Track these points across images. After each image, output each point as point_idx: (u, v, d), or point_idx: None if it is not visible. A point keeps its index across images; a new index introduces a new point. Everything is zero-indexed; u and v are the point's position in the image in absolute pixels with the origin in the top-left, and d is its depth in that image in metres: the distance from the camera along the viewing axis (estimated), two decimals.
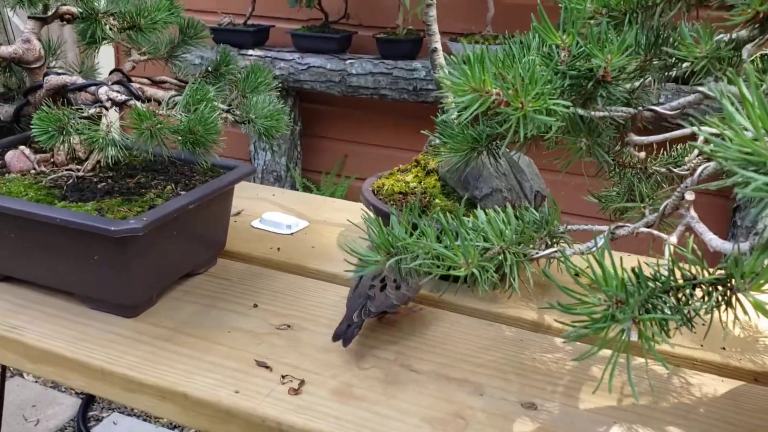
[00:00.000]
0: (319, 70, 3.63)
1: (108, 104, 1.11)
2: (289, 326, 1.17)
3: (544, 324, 1.20)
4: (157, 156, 1.32)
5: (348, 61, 3.59)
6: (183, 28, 1.39)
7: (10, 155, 1.27)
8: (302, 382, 1.03)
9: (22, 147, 1.27)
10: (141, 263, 1.13)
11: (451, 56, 0.85)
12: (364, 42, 3.70)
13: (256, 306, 1.23)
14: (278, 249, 1.45)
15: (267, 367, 1.06)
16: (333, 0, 3.65)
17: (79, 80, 1.16)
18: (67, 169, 1.23)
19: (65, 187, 1.19)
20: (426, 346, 1.13)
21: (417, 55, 3.53)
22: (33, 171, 1.25)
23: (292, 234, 1.52)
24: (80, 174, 1.22)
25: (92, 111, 1.08)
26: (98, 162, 1.26)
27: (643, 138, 0.94)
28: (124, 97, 1.12)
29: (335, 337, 1.06)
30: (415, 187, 1.37)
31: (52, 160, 1.27)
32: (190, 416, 1.01)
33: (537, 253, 0.82)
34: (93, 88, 1.15)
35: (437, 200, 1.33)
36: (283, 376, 1.04)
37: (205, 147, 1.08)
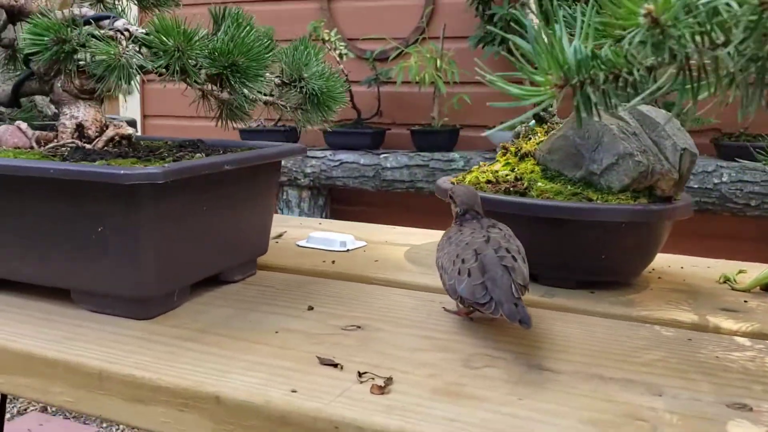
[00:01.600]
0: (352, 166, 3.41)
1: (126, 34, 0.85)
2: (359, 327, 0.85)
3: (710, 325, 0.86)
4: (186, 141, 1.05)
5: (382, 156, 3.38)
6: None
7: (2, 129, 0.99)
8: (389, 380, 0.69)
9: (18, 122, 1.00)
10: (159, 237, 0.82)
11: None
12: (397, 139, 3.53)
13: (311, 308, 0.91)
14: (333, 262, 1.14)
15: (334, 365, 0.73)
16: (365, 98, 3.50)
17: (90, 12, 0.90)
18: (71, 143, 0.95)
19: (67, 152, 0.91)
20: (557, 345, 0.80)
21: (454, 147, 3.31)
22: (30, 149, 0.98)
23: (348, 251, 1.21)
24: (88, 147, 0.94)
25: (106, 32, 0.82)
26: (112, 139, 0.99)
27: None
28: (143, 31, 0.86)
29: (515, 319, 0.75)
30: (507, 175, 1.08)
31: (54, 140, 0.99)
32: (225, 428, 0.67)
33: None
34: (108, 21, 0.89)
35: (539, 184, 1.03)
36: (360, 374, 0.71)
37: (247, 77, 0.80)
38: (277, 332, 0.83)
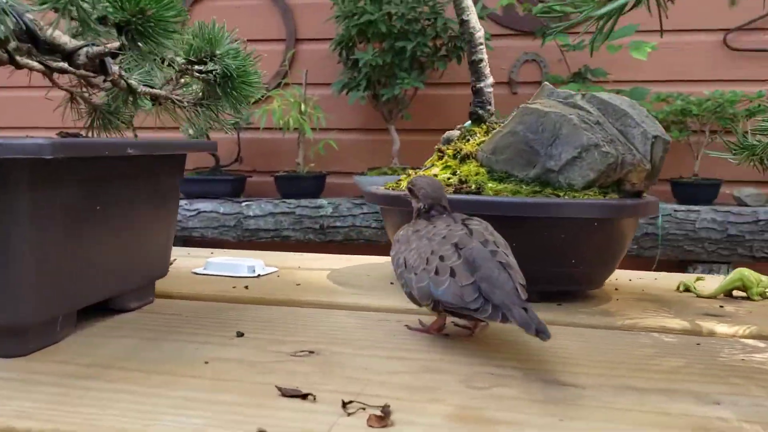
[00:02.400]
0: (210, 215, 3.17)
1: None
2: (311, 352, 0.66)
3: (703, 330, 0.76)
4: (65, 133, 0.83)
5: (244, 203, 3.17)
6: None
7: None
8: (386, 408, 0.52)
9: None
10: (40, 242, 0.61)
11: None
12: (259, 186, 3.34)
13: (241, 335, 0.71)
14: (246, 287, 0.94)
15: (302, 396, 0.55)
16: (224, 144, 3.29)
17: None
18: None
19: None
20: (559, 358, 0.66)
21: (320, 193, 3.17)
22: None
23: (258, 276, 1.01)
24: None
25: None
26: None
27: None
28: None
29: (531, 329, 0.59)
30: (449, 179, 0.94)
31: None
32: None
33: None
34: None
35: (491, 185, 0.90)
36: (345, 403, 0.53)
37: (158, 31, 0.62)
38: (207, 362, 0.63)
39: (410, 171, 1.04)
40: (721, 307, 0.88)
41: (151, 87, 0.90)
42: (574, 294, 0.92)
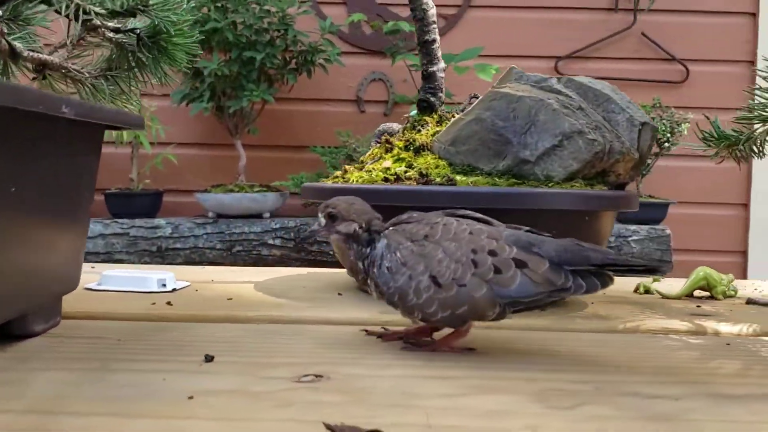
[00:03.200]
0: None
1: None
2: (318, 376, 0.51)
3: (708, 331, 0.70)
4: None
5: None
6: None
7: None
8: None
9: None
10: None
11: None
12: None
13: (211, 359, 0.55)
14: (168, 303, 0.76)
15: None
16: None
17: None
18: None
19: None
20: (608, 368, 0.56)
21: (157, 213, 2.91)
22: None
23: (174, 291, 0.83)
24: None
25: None
26: None
27: None
28: None
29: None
30: (405, 172, 0.82)
31: None
32: None
33: None
34: None
35: (459, 178, 0.80)
36: None
37: None
38: (191, 397, 0.46)
39: (348, 167, 0.91)
40: (698, 306, 0.83)
41: (38, 53, 0.71)
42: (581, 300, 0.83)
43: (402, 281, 0.56)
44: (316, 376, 0.52)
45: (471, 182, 0.78)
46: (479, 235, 0.57)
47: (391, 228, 0.60)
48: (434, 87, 0.89)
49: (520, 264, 0.55)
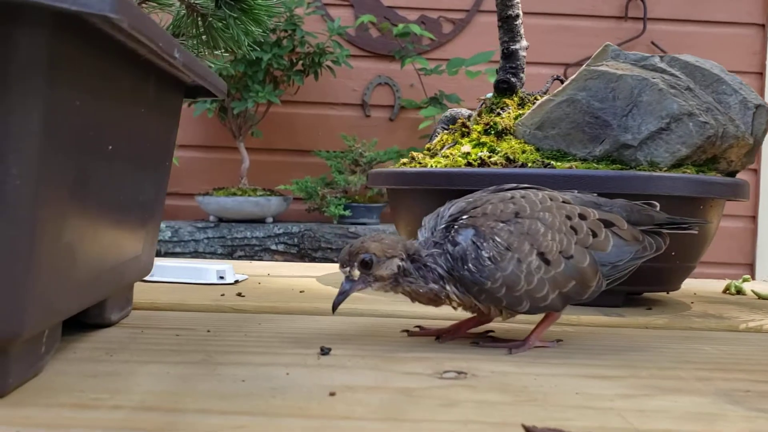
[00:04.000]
0: None
1: None
2: (460, 372, 0.44)
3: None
4: None
5: None
6: None
7: None
8: None
9: None
10: (45, 196, 0.34)
11: None
12: None
13: (327, 352, 0.47)
14: (239, 295, 0.68)
15: None
16: None
17: None
18: None
19: None
20: (753, 365, 0.49)
21: None
22: None
23: (236, 283, 0.75)
24: None
25: None
26: None
27: None
28: None
29: None
30: (490, 157, 0.75)
31: None
32: None
33: None
34: None
35: (557, 165, 0.73)
36: None
37: None
38: (333, 393, 0.38)
39: (415, 154, 0.83)
40: None
41: None
42: (650, 298, 0.76)
43: (511, 267, 0.48)
44: (458, 372, 0.44)
45: (571, 166, 0.71)
46: (558, 201, 0.51)
47: (466, 217, 0.50)
48: (515, 67, 0.82)
49: (607, 224, 0.52)
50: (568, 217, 0.51)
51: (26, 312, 0.34)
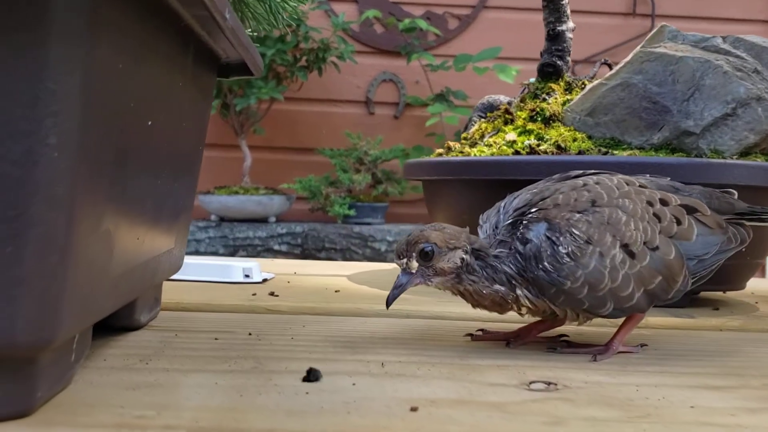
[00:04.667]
0: None
1: None
2: (551, 384, 0.38)
3: None
4: None
5: None
6: None
7: None
8: None
9: None
10: (85, 172, 0.28)
11: None
12: None
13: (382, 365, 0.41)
14: (272, 294, 0.62)
15: None
16: None
17: None
18: None
19: None
20: None
21: None
22: None
23: (264, 281, 0.69)
24: None
25: None
26: None
27: None
28: None
29: None
30: (538, 145, 0.69)
31: None
32: None
33: None
34: None
35: (615, 152, 0.67)
36: None
37: None
38: (415, 409, 0.32)
39: (451, 143, 0.78)
40: None
41: None
42: (710, 298, 0.70)
43: (594, 264, 0.42)
44: (547, 383, 0.38)
45: (630, 154, 0.65)
46: (635, 185, 0.46)
47: (535, 210, 0.44)
48: (562, 49, 0.76)
49: (689, 210, 0.46)
50: (650, 203, 0.45)
51: (61, 313, 0.28)
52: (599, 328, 0.52)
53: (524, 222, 0.44)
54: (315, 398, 0.34)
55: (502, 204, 0.47)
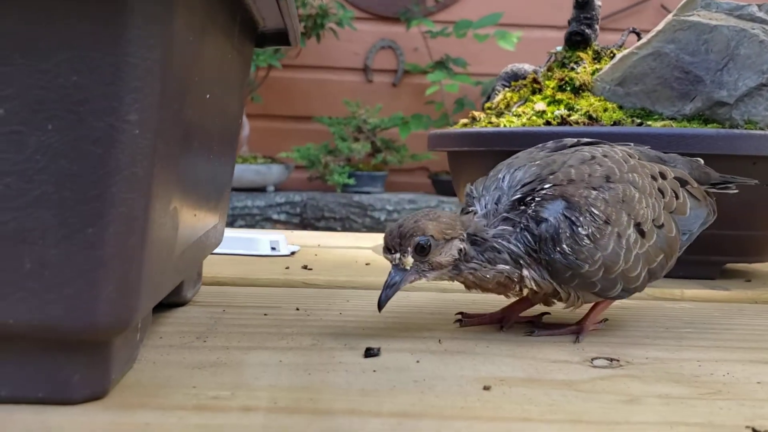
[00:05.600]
0: None
1: None
2: (612, 359, 0.38)
3: None
4: None
5: None
6: None
7: None
8: None
9: None
10: (162, 149, 0.27)
11: None
12: None
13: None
14: (305, 267, 0.61)
15: None
16: None
17: None
18: None
19: None
20: None
21: None
22: None
23: (292, 255, 0.68)
24: None
25: None
26: None
27: None
28: None
29: None
30: (569, 116, 0.68)
31: None
32: None
33: None
34: None
35: (649, 123, 0.66)
36: None
37: None
38: (487, 387, 0.32)
39: (475, 113, 0.77)
40: None
41: None
42: (737, 269, 0.70)
43: (612, 246, 0.40)
44: (609, 359, 0.38)
45: (665, 124, 0.65)
46: (636, 158, 0.45)
47: (549, 185, 0.41)
48: (591, 17, 0.75)
49: (682, 183, 0.46)
50: (654, 178, 0.44)
51: (139, 294, 0.27)
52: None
53: (537, 199, 0.41)
54: (383, 377, 0.33)
55: (501, 176, 0.43)
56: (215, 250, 0.65)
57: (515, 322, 0.45)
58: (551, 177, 0.41)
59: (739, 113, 0.66)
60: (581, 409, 0.30)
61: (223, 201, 0.46)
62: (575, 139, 0.46)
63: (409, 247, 0.39)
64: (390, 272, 0.40)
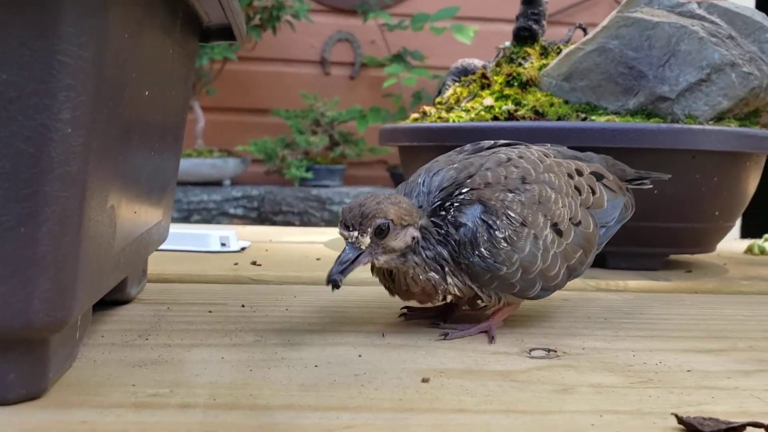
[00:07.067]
0: None
1: None
2: (550, 350, 0.39)
3: None
4: None
5: None
6: None
7: None
8: None
9: None
10: (100, 140, 0.27)
11: None
12: None
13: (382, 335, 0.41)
14: (254, 263, 0.61)
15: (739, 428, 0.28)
16: None
17: None
18: None
19: None
20: None
21: None
22: None
23: (242, 251, 0.68)
24: None
25: None
26: None
27: None
28: None
29: None
30: (516, 110, 0.70)
31: None
32: None
33: None
34: None
35: (593, 118, 0.68)
36: None
37: None
38: (425, 380, 0.33)
39: (426, 108, 0.78)
40: None
41: None
42: (679, 260, 0.72)
43: (529, 247, 0.41)
44: (547, 350, 0.39)
45: (609, 119, 0.66)
46: (552, 158, 0.45)
47: (466, 190, 0.41)
48: (537, 13, 0.76)
49: (598, 177, 0.47)
50: (569, 176, 0.45)
51: (75, 292, 0.27)
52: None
53: (455, 204, 0.41)
54: (325, 371, 0.34)
55: (421, 180, 0.43)
56: (164, 247, 0.65)
57: (457, 316, 0.46)
58: (468, 181, 0.41)
59: (680, 108, 0.68)
60: (516, 399, 0.31)
61: (167, 197, 0.46)
62: (492, 141, 0.47)
63: (369, 228, 0.38)
64: (345, 248, 0.39)
